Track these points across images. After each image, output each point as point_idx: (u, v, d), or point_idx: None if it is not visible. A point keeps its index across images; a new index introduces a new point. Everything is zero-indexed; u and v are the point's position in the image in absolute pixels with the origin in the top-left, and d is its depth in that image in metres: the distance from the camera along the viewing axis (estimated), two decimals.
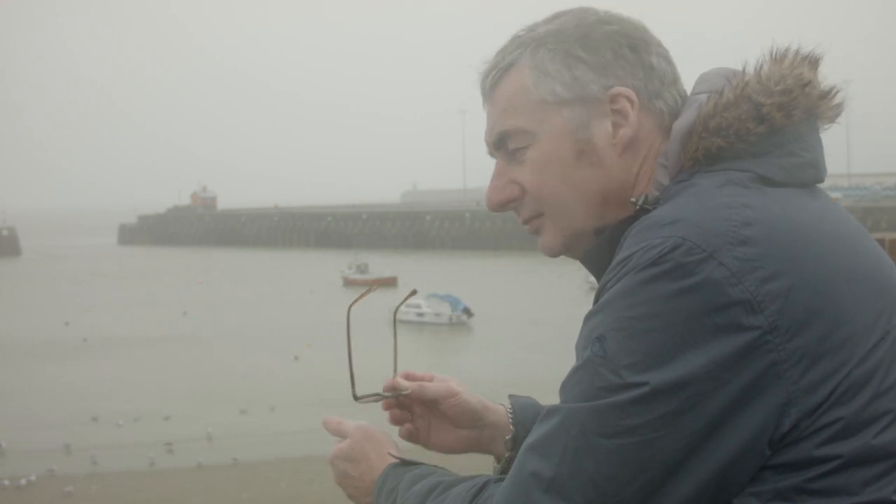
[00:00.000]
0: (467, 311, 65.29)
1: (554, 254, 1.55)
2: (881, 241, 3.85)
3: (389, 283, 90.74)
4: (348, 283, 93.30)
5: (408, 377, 1.79)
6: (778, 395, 1.24)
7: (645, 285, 1.26)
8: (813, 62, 1.45)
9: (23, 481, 30.63)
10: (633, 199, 1.43)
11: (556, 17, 1.52)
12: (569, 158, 1.46)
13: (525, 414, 1.77)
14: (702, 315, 1.24)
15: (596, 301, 1.35)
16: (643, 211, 1.40)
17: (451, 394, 1.77)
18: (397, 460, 1.65)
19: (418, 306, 66.21)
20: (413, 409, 1.80)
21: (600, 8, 1.53)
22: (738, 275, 1.25)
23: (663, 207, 1.36)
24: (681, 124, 1.43)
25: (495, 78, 1.53)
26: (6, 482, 30.68)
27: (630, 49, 1.47)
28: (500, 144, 1.52)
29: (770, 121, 1.39)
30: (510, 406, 1.79)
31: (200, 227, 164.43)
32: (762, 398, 1.24)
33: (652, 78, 1.48)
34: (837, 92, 1.45)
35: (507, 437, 1.75)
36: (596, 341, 1.28)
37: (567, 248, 1.53)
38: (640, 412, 1.24)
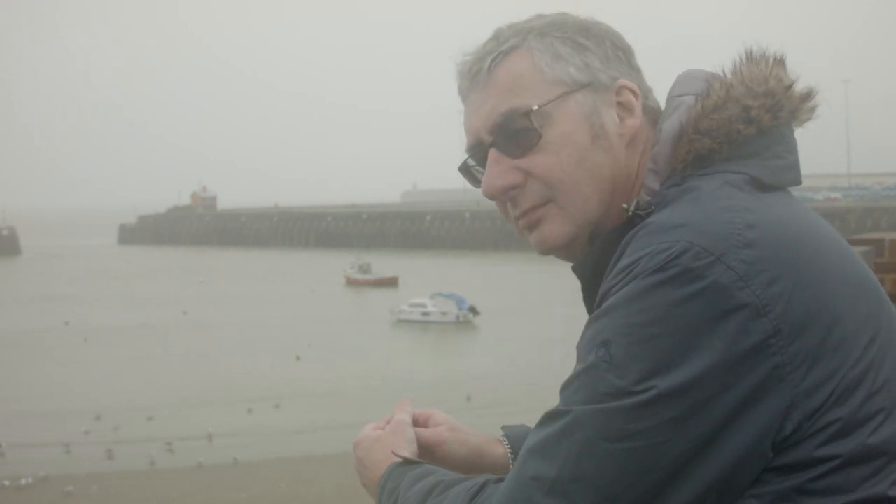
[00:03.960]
0: (473, 310, 65.24)
1: (556, 244, 1.49)
2: (881, 241, 3.82)
3: (391, 282, 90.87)
4: (351, 282, 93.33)
5: (414, 417, 1.78)
6: (781, 398, 1.24)
7: (652, 290, 1.26)
8: (781, 63, 1.46)
9: (23, 481, 30.63)
10: (624, 206, 1.43)
11: (540, 16, 1.53)
12: (585, 141, 1.45)
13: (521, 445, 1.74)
14: (710, 319, 1.23)
15: (598, 305, 1.34)
16: (636, 217, 1.40)
17: (439, 442, 1.75)
18: (400, 459, 1.65)
19: (424, 306, 66.08)
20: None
21: (564, 13, 1.55)
22: (745, 278, 1.25)
23: (665, 211, 1.36)
24: (670, 127, 1.44)
25: (495, 61, 1.49)
26: (6, 482, 30.68)
27: (622, 51, 1.52)
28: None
29: (758, 123, 1.40)
30: (506, 441, 1.76)
31: (200, 227, 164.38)
32: (766, 401, 1.24)
33: (641, 79, 1.53)
34: (816, 94, 1.46)
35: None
36: (601, 346, 1.27)
37: (573, 239, 1.48)
38: (646, 417, 1.23)
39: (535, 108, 1.45)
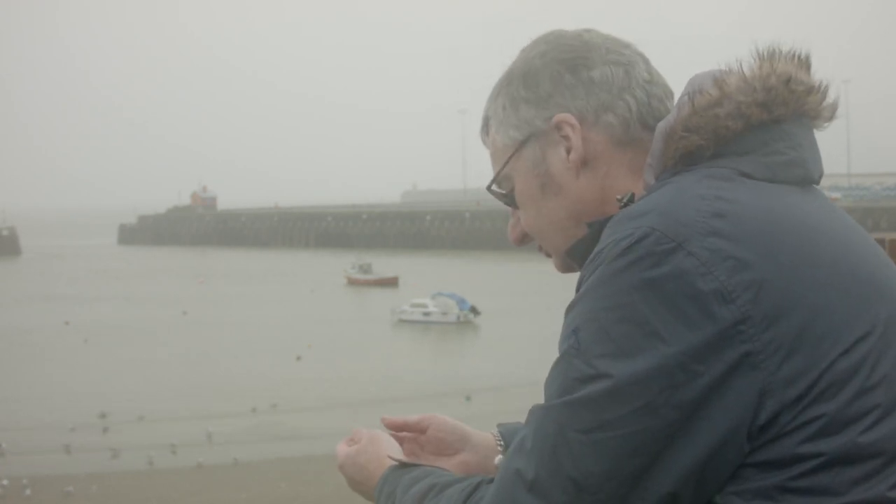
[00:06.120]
0: (474, 310, 65.37)
1: (562, 272, 1.63)
2: (881, 241, 3.84)
3: (391, 282, 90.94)
4: (351, 282, 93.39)
5: (390, 424, 1.82)
6: (753, 386, 1.23)
7: (615, 276, 1.28)
8: (803, 60, 1.44)
9: (23, 482, 30.62)
10: (618, 197, 1.46)
11: (521, 51, 1.59)
12: (536, 193, 1.54)
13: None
14: (671, 305, 1.24)
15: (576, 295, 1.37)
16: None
17: (431, 417, 1.80)
18: (396, 463, 1.66)
19: (425, 306, 66.20)
20: (403, 448, 1.79)
21: (553, 32, 1.58)
22: (707, 264, 1.25)
23: (638, 202, 1.38)
24: (663, 125, 1.44)
25: (483, 131, 1.63)
26: (6, 482, 30.68)
27: (570, 71, 1.51)
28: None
29: (747, 118, 1.39)
30: (499, 434, 1.78)
31: (200, 227, 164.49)
32: (737, 389, 1.23)
33: (595, 93, 1.50)
34: (827, 87, 1.44)
35: (496, 460, 1.73)
36: (572, 334, 1.30)
37: (567, 266, 1.58)
38: (614, 405, 1.24)
39: (501, 174, 1.58)
